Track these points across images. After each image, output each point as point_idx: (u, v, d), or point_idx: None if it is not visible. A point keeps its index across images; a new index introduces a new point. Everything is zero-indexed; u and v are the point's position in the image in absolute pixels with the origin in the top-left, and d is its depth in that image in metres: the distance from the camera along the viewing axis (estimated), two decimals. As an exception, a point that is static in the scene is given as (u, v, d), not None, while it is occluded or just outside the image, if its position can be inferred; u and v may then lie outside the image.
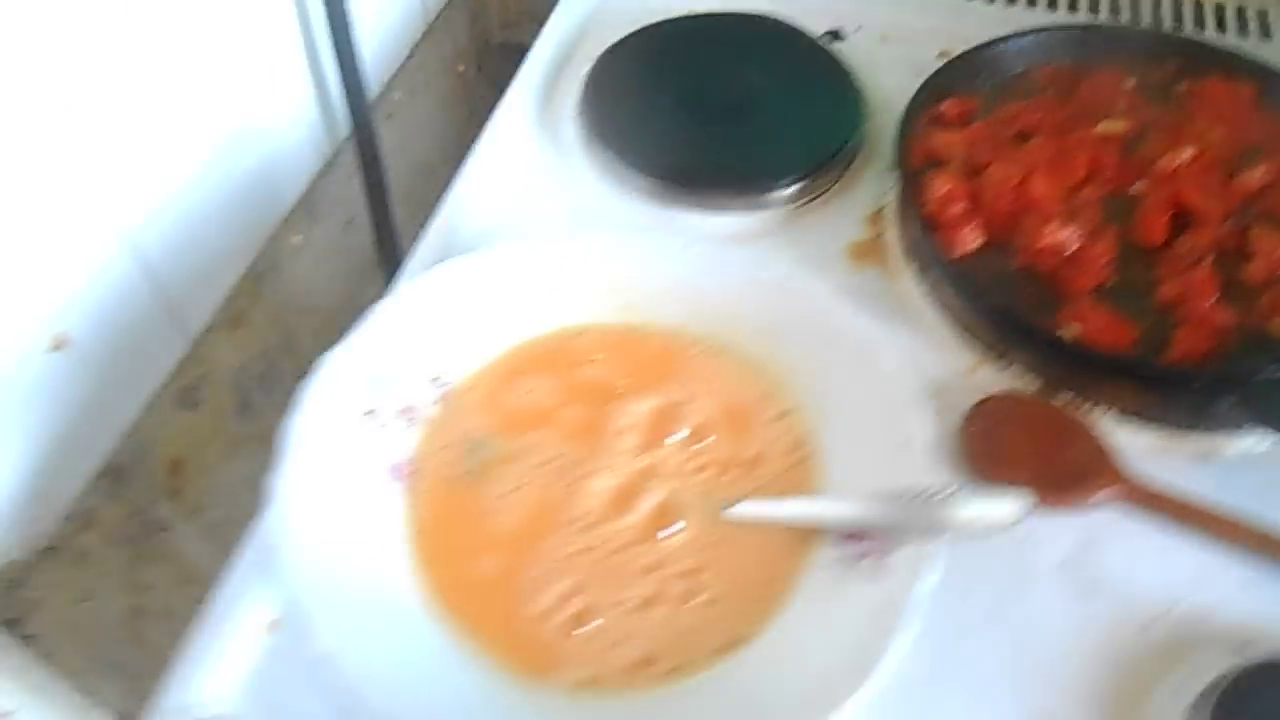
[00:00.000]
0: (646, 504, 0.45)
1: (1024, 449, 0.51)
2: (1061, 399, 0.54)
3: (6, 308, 0.49)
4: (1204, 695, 0.41)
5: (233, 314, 0.68)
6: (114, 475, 0.61)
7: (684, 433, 0.48)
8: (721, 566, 0.43)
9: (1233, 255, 0.56)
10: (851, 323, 0.49)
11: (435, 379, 0.49)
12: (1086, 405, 0.53)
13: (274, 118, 0.67)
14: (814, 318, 0.49)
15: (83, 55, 0.50)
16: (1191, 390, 0.51)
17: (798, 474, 0.46)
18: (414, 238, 0.88)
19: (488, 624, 0.42)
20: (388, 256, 0.81)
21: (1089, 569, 0.48)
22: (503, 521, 0.45)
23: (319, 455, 0.44)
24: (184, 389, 0.65)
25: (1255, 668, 0.41)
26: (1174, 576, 0.47)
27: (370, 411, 0.47)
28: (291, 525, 0.41)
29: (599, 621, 0.42)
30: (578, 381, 0.50)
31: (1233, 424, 0.51)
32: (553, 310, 0.52)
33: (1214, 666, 0.42)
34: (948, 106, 0.64)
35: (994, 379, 0.55)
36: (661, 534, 0.44)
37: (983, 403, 0.52)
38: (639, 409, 0.48)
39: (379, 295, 0.88)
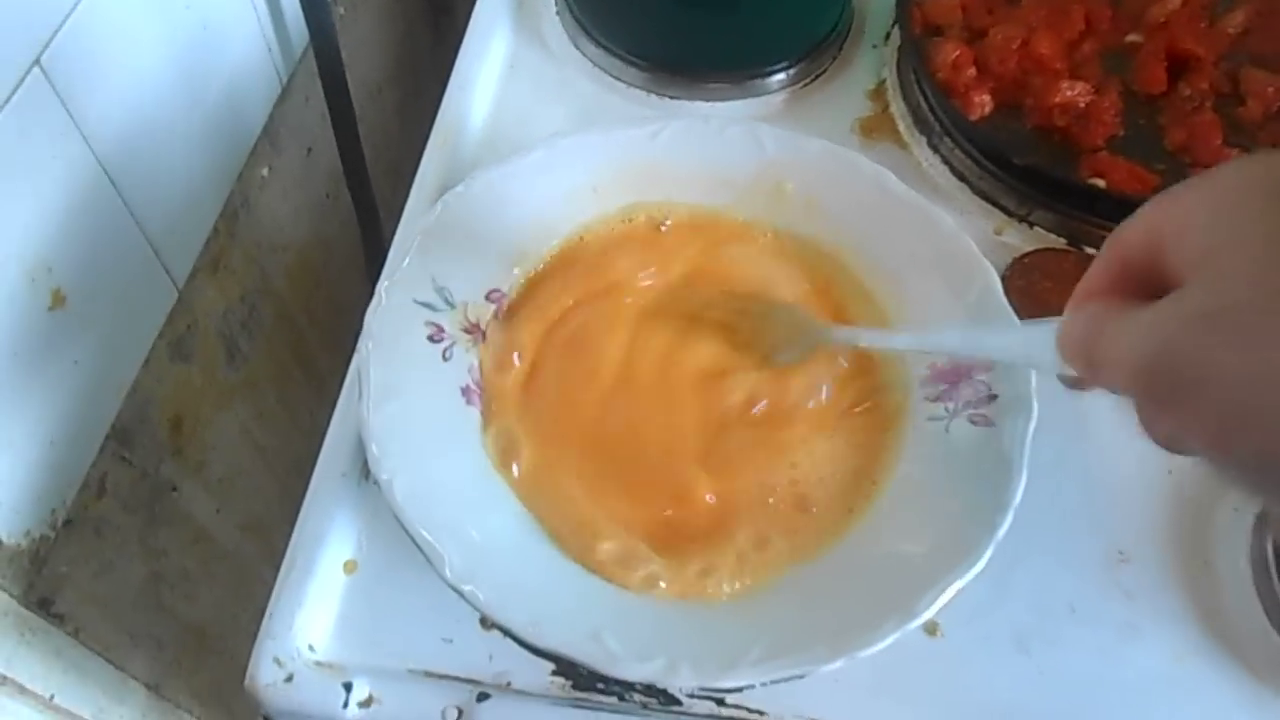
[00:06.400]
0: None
1: (1066, 300, 0.52)
2: (1088, 254, 0.55)
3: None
4: (1263, 512, 0.44)
5: (212, 256, 0.64)
6: (120, 438, 0.57)
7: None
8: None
9: (1229, 98, 0.58)
10: (902, 188, 0.48)
11: (490, 293, 0.47)
12: (1110, 256, 0.55)
13: (230, 36, 0.62)
14: (860, 187, 0.49)
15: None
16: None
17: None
18: (375, 163, 0.84)
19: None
20: (357, 186, 0.77)
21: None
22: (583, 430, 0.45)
23: (397, 383, 0.42)
24: (175, 340, 0.61)
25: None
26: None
27: (434, 335, 0.45)
28: (392, 461, 0.40)
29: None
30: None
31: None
32: (581, 210, 0.50)
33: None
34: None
35: (1019, 240, 0.56)
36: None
37: (1020, 260, 0.53)
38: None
39: (344, 230, 0.85)
